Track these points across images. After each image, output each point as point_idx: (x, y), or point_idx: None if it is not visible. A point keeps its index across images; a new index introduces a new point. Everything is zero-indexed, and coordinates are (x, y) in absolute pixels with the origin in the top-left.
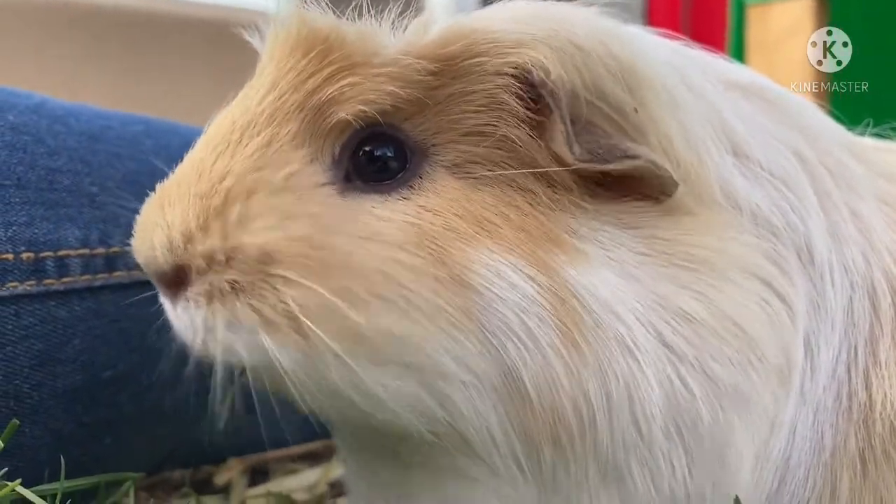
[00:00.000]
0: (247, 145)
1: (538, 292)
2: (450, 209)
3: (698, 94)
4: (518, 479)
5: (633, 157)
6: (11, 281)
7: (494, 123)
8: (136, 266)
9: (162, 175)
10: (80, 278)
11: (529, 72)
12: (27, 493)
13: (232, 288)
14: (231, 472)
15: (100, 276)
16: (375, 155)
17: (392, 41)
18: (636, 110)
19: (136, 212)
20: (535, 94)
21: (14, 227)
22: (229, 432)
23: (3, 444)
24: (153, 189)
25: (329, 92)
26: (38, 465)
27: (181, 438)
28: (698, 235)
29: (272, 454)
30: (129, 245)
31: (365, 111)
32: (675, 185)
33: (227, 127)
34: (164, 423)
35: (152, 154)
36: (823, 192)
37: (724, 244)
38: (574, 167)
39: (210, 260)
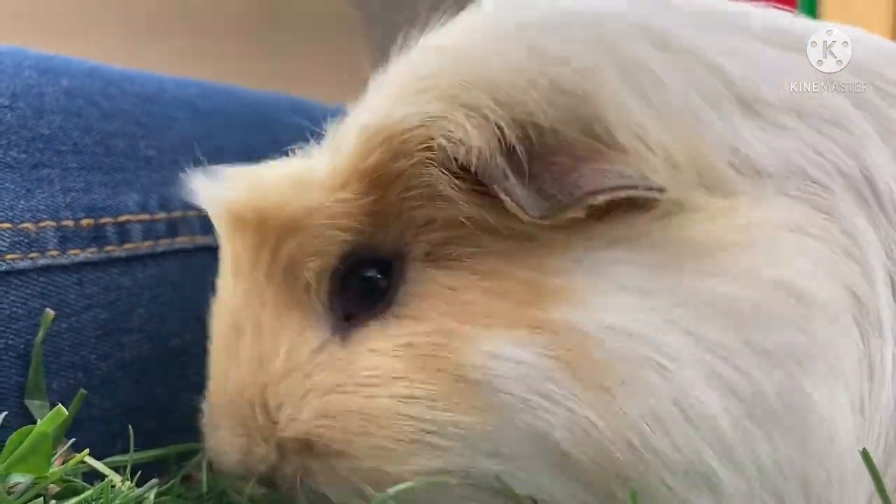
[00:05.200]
0: (242, 344)
1: (542, 354)
2: (437, 308)
3: (681, 50)
4: None
5: (599, 191)
6: (73, 248)
7: (443, 207)
8: (199, 230)
9: (219, 138)
10: (143, 244)
11: (445, 150)
12: (96, 464)
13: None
14: None
15: (162, 241)
16: (363, 283)
17: (316, 175)
18: (595, 126)
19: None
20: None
21: (72, 193)
22: None
23: (68, 414)
24: (210, 152)
25: (284, 256)
26: (110, 437)
27: None
28: (707, 223)
29: None
30: (190, 209)
31: (328, 261)
32: (661, 189)
33: (221, 333)
34: None
35: (208, 116)
36: (875, 115)
37: (743, 221)
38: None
39: (266, 462)
